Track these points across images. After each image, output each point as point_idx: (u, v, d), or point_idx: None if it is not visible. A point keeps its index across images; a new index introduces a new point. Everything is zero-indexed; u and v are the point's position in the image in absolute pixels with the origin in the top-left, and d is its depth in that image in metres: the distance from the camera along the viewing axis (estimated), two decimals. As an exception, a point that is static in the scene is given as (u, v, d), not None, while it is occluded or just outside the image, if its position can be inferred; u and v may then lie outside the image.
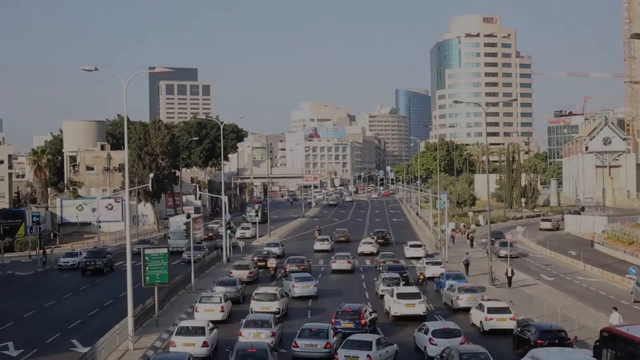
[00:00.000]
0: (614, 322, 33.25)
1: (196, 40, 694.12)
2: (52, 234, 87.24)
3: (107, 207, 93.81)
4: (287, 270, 53.02)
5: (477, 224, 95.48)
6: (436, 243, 74.08)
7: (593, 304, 42.69)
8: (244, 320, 33.00)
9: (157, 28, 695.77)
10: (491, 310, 34.67)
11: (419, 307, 37.41)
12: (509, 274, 48.83)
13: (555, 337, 29.40)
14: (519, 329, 31.92)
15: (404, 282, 45.06)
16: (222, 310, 37.29)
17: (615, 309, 34.86)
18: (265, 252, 63.17)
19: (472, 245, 74.36)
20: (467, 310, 38.50)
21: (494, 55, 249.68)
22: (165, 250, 37.21)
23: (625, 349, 21.17)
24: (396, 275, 45.87)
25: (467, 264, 55.16)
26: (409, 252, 66.46)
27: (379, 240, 75.31)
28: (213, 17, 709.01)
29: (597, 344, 22.61)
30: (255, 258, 60.01)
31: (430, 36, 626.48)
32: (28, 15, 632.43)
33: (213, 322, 33.63)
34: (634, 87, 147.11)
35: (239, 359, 26.41)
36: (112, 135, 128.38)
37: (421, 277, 51.66)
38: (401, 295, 37.92)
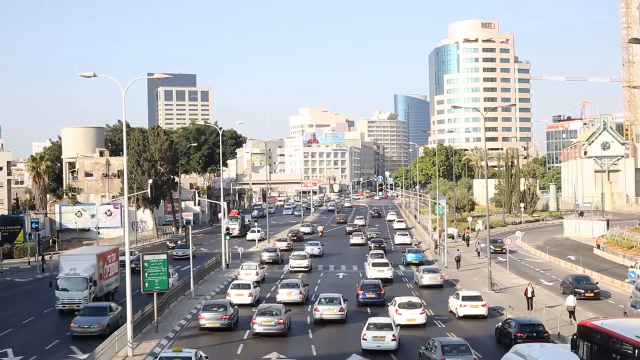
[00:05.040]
0: (569, 304, 39.03)
1: (195, 46, 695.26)
2: (51, 241, 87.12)
3: (105, 213, 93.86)
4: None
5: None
6: (435, 249, 74.56)
7: (593, 309, 42.72)
8: (279, 283, 46.81)
9: (156, 33, 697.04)
10: (465, 298, 40.73)
11: (386, 273, 53.67)
12: (529, 295, 42.31)
13: (534, 331, 32.51)
14: (500, 324, 34.94)
15: (383, 252, 65.36)
16: (257, 275, 53.03)
17: (573, 293, 42.89)
18: (296, 231, 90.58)
19: (467, 244, 79.83)
20: (429, 287, 50.73)
21: (493, 60, 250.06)
22: (164, 257, 37.15)
23: (599, 342, 22.06)
24: (381, 252, 65.35)
25: (458, 260, 62.23)
26: (396, 224, 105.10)
27: (374, 215, 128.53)
28: (211, 22, 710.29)
29: (574, 337, 23.17)
30: (290, 234, 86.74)
31: (428, 41, 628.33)
32: (27, 21, 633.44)
33: None
34: (632, 92, 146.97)
35: (260, 314, 35.61)
36: (111, 141, 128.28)
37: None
38: (375, 265, 55.01)
